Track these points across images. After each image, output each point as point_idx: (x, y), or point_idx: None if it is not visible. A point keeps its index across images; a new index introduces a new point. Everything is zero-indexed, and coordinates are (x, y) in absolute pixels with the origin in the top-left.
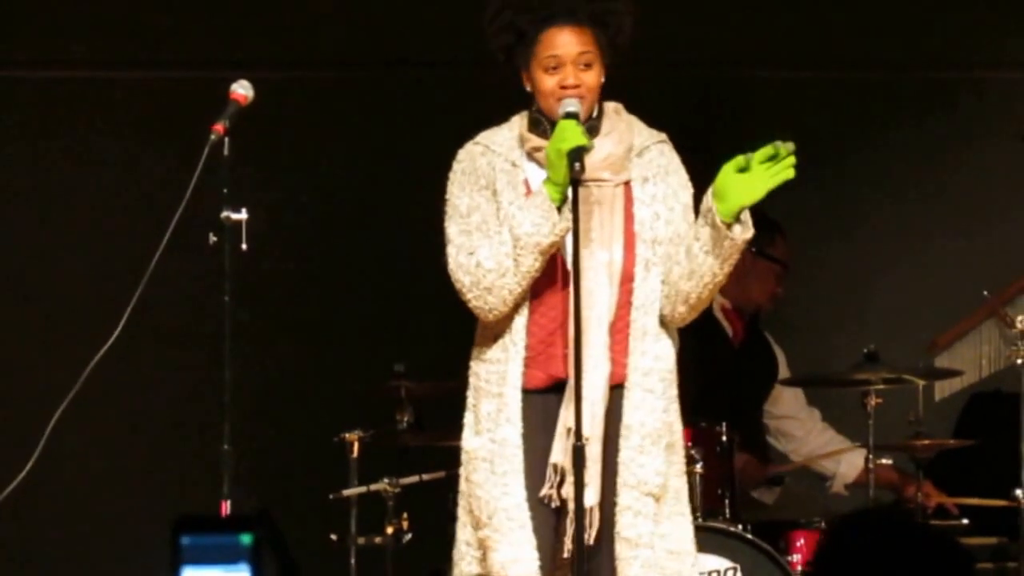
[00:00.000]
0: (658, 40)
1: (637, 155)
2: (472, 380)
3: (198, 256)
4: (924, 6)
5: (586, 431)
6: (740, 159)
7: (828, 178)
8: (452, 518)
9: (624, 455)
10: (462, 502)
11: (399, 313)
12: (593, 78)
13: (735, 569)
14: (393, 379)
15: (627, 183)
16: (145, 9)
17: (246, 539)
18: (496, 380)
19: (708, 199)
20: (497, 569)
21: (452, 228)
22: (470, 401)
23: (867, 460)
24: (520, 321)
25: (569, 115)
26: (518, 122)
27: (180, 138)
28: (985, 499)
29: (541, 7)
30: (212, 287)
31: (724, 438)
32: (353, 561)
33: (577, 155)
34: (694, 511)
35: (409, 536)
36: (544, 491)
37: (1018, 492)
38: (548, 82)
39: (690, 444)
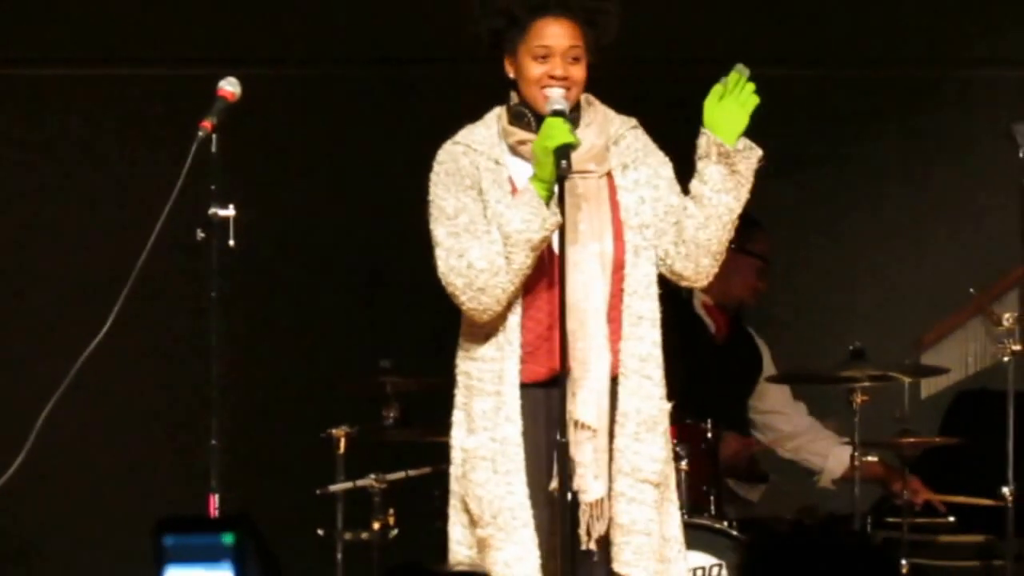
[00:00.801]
0: (640, 37)
1: (614, 143)
2: (462, 379)
3: (186, 253)
4: (909, 4)
5: (594, 422)
6: (719, 87)
7: (813, 176)
8: (438, 514)
9: (620, 442)
10: (454, 501)
11: (385, 309)
12: (580, 72)
13: (720, 566)
14: (379, 375)
15: (608, 173)
16: (132, 7)
17: (228, 539)
18: (491, 378)
19: (708, 138)
20: (500, 568)
21: (440, 231)
22: (459, 399)
23: (852, 458)
24: (514, 319)
25: (556, 112)
26: (495, 118)
27: (168, 135)
28: (972, 497)
29: None
30: (200, 283)
31: (709, 435)
32: (340, 556)
33: (564, 152)
34: (679, 508)
35: (395, 531)
36: (553, 484)
37: (1005, 490)
38: (535, 70)
39: (675, 441)
